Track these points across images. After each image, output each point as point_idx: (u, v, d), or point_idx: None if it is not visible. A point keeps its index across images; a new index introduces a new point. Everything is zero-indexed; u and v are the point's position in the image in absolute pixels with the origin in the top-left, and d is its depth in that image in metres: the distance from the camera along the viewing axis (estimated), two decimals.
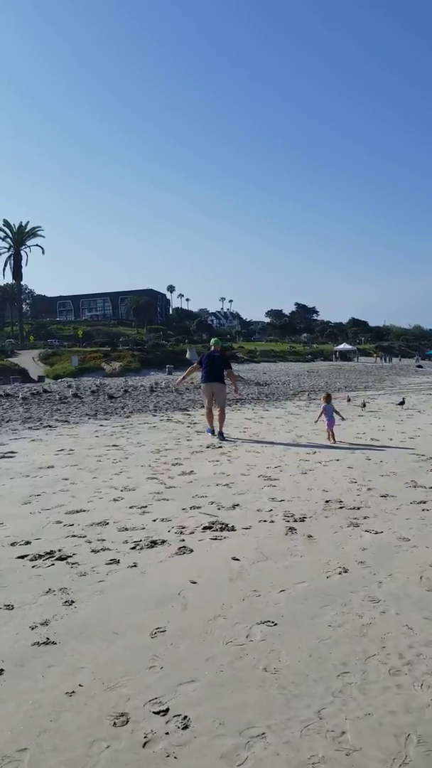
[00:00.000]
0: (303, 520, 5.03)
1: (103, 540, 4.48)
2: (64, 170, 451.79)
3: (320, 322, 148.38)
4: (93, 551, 4.23)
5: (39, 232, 76.44)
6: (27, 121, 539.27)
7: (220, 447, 8.76)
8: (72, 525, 4.88)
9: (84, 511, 5.31)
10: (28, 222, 76.57)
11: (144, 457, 7.84)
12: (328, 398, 9.70)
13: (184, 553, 4.24)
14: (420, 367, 54.50)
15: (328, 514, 5.23)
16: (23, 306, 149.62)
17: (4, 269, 75.12)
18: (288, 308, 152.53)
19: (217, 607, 3.32)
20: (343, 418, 10.47)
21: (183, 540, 4.51)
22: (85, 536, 4.58)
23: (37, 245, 78.66)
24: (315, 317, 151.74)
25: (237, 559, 4.12)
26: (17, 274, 75.46)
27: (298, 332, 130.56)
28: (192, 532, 4.72)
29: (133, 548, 4.32)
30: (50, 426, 10.82)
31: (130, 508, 5.43)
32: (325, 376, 32.55)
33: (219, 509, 5.40)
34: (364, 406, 15.05)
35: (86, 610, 3.29)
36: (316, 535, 4.63)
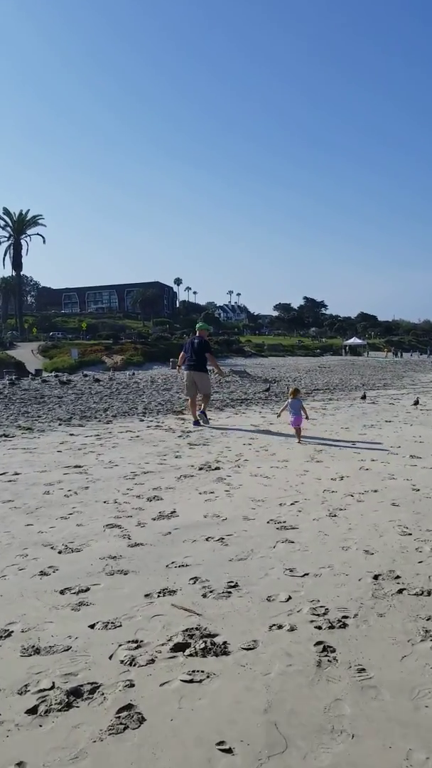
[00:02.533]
0: (343, 626, 2.98)
1: None
2: (70, 163, 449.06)
3: (329, 316, 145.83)
4: None
5: (40, 221, 74.33)
6: (29, 110, 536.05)
7: (206, 445, 6.71)
8: None
9: None
10: (28, 210, 74.67)
11: (112, 487, 5.78)
12: (295, 393, 9.01)
13: (124, 728, 2.19)
14: None
15: (384, 609, 3.17)
16: (28, 298, 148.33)
17: (3, 259, 73.14)
18: (296, 302, 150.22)
19: None
20: (307, 417, 8.90)
21: (130, 687, 2.45)
22: None
23: (38, 234, 76.24)
24: (323, 311, 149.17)
25: (229, 751, 2.07)
26: (17, 263, 73.32)
27: (307, 326, 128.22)
28: (152, 660, 2.67)
29: (30, 712, 2.27)
30: (5, 435, 8.74)
31: (61, 593, 3.37)
32: (338, 371, 30.34)
33: (205, 595, 3.35)
34: (417, 403, 13.23)
35: None
36: (372, 664, 2.59)
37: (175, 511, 4.95)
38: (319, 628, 2.97)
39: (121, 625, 3.01)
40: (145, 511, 4.96)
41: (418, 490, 5.71)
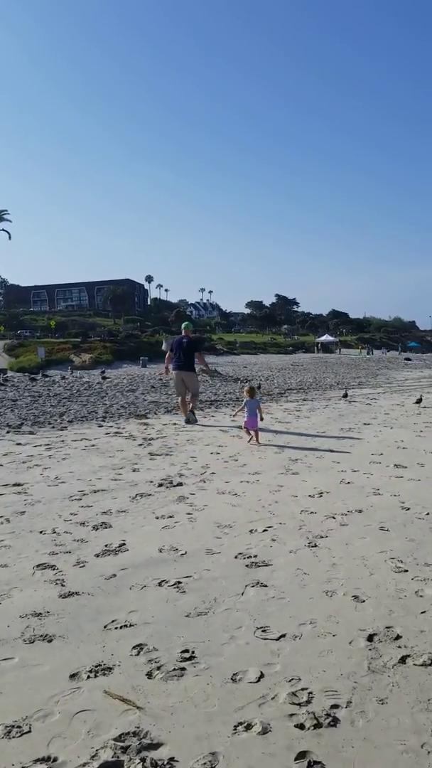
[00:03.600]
0: (334, 723, 2.21)
1: None
2: (35, 161, 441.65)
3: (301, 313, 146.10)
4: None
5: (5, 216, 72.15)
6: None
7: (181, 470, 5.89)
8: None
9: None
10: None
11: (53, 511, 4.91)
12: (251, 392, 8.55)
13: None
14: (408, 360, 52.19)
15: (385, 690, 2.42)
16: None
17: None
18: (268, 299, 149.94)
19: None
20: (261, 419, 8.49)
21: None
22: None
23: (3, 230, 73.93)
24: (295, 309, 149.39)
25: None
26: None
27: (279, 324, 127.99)
28: None
29: None
30: None
31: None
32: (311, 370, 29.75)
33: (151, 674, 2.55)
34: (420, 401, 12.75)
35: None
36: None
37: (124, 544, 4.12)
38: (301, 727, 2.19)
39: (29, 731, 2.18)
40: (89, 545, 4.11)
41: (408, 509, 4.99)
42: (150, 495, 5.42)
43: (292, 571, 3.64)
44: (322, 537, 4.29)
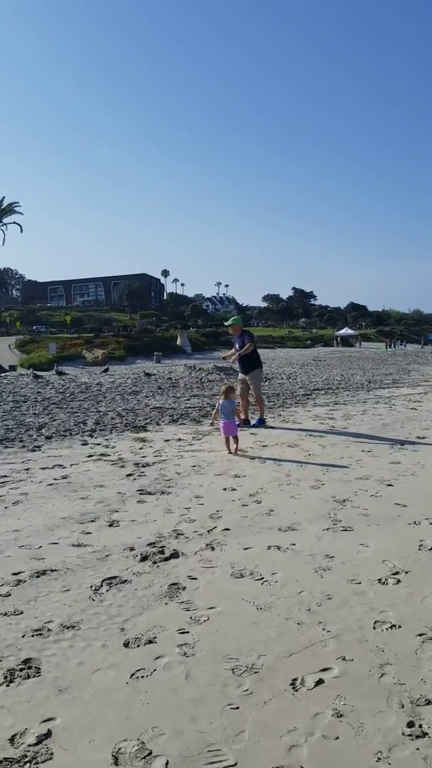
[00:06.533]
0: None
1: None
2: (55, 150, 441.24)
3: (318, 306, 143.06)
4: None
5: (17, 208, 70.32)
6: (14, 97, 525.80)
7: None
8: None
9: None
10: (3, 197, 70.42)
11: None
12: (228, 392, 7.36)
13: None
14: None
15: None
16: (14, 292, 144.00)
17: None
18: (285, 293, 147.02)
19: None
20: (237, 423, 7.40)
21: None
22: None
23: (15, 223, 72.09)
24: (313, 302, 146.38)
25: None
26: None
27: (296, 317, 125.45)
28: None
29: None
30: None
31: None
32: (335, 365, 27.42)
33: None
34: None
35: None
36: None
37: (50, 755, 2.08)
38: None
39: None
40: None
41: None
42: (124, 582, 3.38)
43: None
44: (430, 703, 2.24)
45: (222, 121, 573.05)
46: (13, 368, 35.63)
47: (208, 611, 3.05)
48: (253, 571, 3.56)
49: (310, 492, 5.35)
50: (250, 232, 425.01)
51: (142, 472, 6.05)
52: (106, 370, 25.41)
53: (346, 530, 4.30)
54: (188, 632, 2.84)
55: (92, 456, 6.87)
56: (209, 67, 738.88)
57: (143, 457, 6.83)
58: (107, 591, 3.28)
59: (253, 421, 9.38)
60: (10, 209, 70.42)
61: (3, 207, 69.74)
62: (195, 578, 3.45)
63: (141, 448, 7.35)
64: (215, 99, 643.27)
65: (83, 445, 7.63)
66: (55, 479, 5.76)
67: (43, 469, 6.22)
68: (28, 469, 6.18)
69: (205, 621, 2.95)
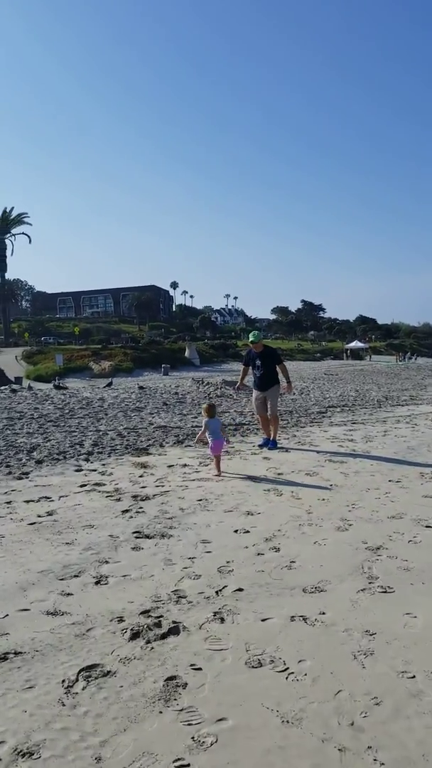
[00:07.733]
0: None
1: None
2: (67, 162, 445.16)
3: (327, 319, 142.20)
4: None
5: (25, 219, 70.10)
6: (25, 108, 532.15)
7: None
8: None
9: None
10: (12, 208, 70.35)
11: None
12: (210, 410, 6.94)
13: None
14: None
15: None
16: (23, 303, 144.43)
17: None
18: (294, 305, 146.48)
19: None
20: (227, 441, 7.13)
21: None
22: None
23: (23, 234, 71.95)
24: (322, 314, 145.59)
25: None
26: (1, 264, 69.24)
27: (305, 330, 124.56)
28: None
29: None
30: None
31: None
32: (348, 380, 26.55)
33: None
34: None
35: None
36: None
37: None
38: None
39: None
40: None
41: None
42: (107, 675, 2.59)
43: None
44: None
45: (233, 133, 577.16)
46: (18, 380, 35.17)
47: (216, 726, 2.26)
48: (273, 656, 2.76)
49: (337, 536, 4.54)
50: (259, 245, 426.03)
51: (140, 508, 5.25)
52: (109, 384, 24.67)
53: (386, 592, 3.49)
54: (189, 766, 2.04)
55: (85, 486, 6.09)
56: (217, 78, 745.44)
57: (143, 487, 6.04)
58: (83, 689, 2.49)
59: (259, 442, 8.62)
60: (19, 220, 70.33)
61: (12, 218, 69.66)
62: (199, 668, 2.65)
63: (141, 476, 6.56)
64: (226, 110, 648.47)
65: (77, 471, 6.85)
66: (39, 516, 4.98)
67: (27, 502, 5.44)
68: (9, 503, 5.40)
69: (212, 744, 2.15)
